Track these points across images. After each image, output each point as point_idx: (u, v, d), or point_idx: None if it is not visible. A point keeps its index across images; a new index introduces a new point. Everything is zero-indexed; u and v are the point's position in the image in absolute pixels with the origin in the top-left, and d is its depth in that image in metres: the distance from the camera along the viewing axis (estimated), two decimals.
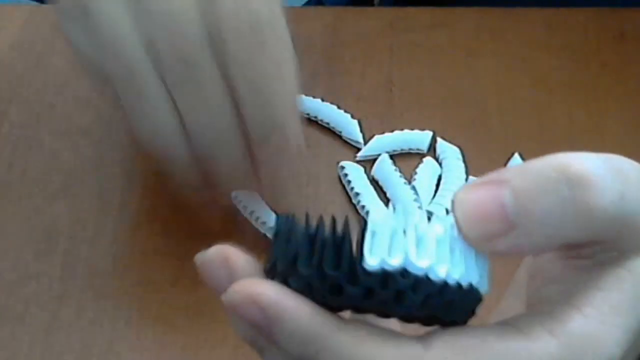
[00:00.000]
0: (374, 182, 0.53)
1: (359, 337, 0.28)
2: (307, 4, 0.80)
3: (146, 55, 0.41)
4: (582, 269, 0.30)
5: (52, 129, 0.56)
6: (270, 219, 0.50)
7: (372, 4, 0.75)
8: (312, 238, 0.28)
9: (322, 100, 0.57)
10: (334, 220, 0.28)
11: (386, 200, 0.51)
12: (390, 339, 0.28)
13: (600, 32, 0.61)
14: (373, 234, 0.27)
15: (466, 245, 0.29)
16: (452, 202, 0.29)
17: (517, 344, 0.28)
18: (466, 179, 0.53)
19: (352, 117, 0.56)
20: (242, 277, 0.29)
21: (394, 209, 0.28)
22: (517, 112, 0.57)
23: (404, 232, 0.28)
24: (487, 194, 0.28)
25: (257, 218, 0.50)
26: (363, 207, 0.51)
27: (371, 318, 0.30)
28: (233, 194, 0.51)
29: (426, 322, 0.30)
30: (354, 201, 0.52)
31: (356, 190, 0.52)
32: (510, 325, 0.29)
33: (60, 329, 0.47)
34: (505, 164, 0.53)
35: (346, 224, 0.28)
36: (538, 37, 0.62)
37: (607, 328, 0.28)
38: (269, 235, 0.49)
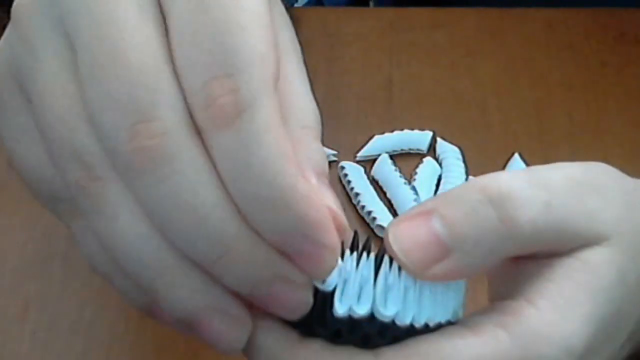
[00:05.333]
0: (374, 182, 0.53)
1: (313, 350, 0.29)
2: (307, 4, 0.81)
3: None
4: (531, 262, 0.30)
5: None
6: None
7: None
8: None
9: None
10: None
11: (386, 201, 0.51)
12: (344, 351, 0.29)
13: (600, 32, 0.61)
14: (345, 281, 0.29)
15: (439, 284, 0.30)
16: (385, 237, 0.30)
17: (464, 341, 0.29)
18: (466, 179, 0.53)
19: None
20: None
21: (367, 256, 0.29)
22: (517, 112, 0.57)
23: (375, 279, 0.29)
24: (418, 224, 0.29)
25: None
26: (363, 207, 0.51)
27: None
28: None
29: None
30: (354, 201, 0.52)
31: (356, 190, 0.52)
32: (460, 324, 0.30)
33: (60, 329, 0.47)
34: (505, 164, 0.53)
35: None
36: (538, 37, 0.62)
37: (562, 319, 0.28)
38: None
